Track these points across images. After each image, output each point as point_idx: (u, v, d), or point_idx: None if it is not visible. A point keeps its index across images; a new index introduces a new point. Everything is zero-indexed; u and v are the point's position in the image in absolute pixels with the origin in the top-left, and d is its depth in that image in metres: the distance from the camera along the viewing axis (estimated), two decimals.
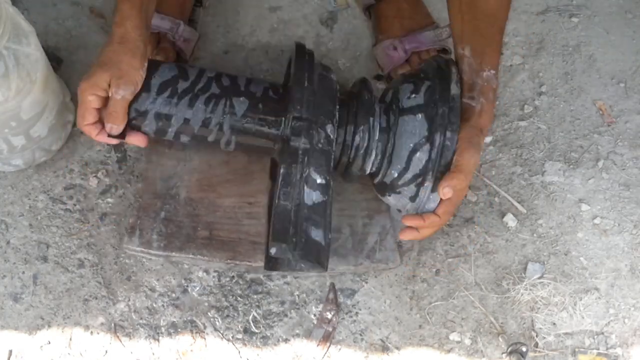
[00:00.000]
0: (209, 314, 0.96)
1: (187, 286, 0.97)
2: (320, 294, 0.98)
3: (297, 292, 0.98)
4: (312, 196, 0.82)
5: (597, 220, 1.04)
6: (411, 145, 0.83)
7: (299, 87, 0.86)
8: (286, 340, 0.95)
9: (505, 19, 0.88)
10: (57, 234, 0.99)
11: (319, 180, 0.83)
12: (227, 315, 0.96)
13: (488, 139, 1.10)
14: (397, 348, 0.95)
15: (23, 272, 0.97)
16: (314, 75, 0.88)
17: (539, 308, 0.97)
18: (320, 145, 0.84)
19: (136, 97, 0.86)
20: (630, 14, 1.22)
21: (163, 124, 0.88)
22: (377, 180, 0.90)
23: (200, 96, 0.87)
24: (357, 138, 0.87)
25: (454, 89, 0.83)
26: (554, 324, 0.96)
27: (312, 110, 0.85)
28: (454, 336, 0.96)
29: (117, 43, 0.84)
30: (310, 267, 0.85)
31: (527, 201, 1.05)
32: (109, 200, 1.02)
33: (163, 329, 0.94)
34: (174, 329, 0.95)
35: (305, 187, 0.82)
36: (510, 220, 1.03)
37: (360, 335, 0.96)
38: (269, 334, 0.95)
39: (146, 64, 0.85)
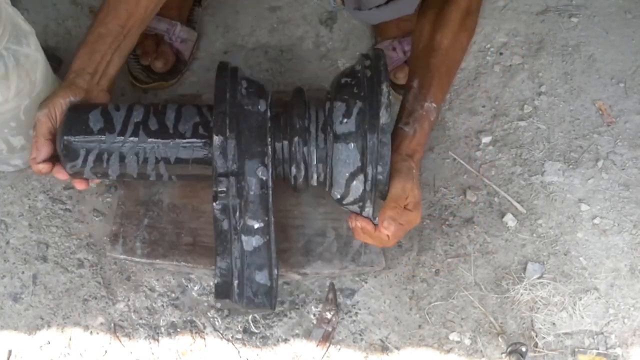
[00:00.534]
0: (208, 314, 0.96)
1: (187, 286, 0.97)
2: (319, 294, 0.98)
3: (296, 292, 0.98)
4: (251, 242, 0.84)
5: (596, 220, 1.04)
6: (347, 174, 0.82)
7: (220, 136, 0.82)
8: (286, 340, 0.95)
9: (460, 60, 0.92)
10: (57, 234, 0.99)
11: (256, 226, 0.84)
12: (227, 315, 0.96)
13: (488, 139, 1.10)
14: (397, 348, 0.95)
15: (23, 272, 0.97)
16: (236, 108, 0.84)
17: (539, 308, 0.97)
18: (252, 193, 0.83)
19: (68, 158, 0.85)
20: (629, 14, 1.22)
21: (100, 176, 0.87)
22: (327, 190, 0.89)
23: (129, 153, 0.85)
24: (294, 170, 0.85)
25: (384, 117, 0.80)
26: (554, 324, 0.96)
27: (237, 161, 0.83)
28: (453, 336, 0.96)
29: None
30: (257, 310, 0.89)
31: (527, 201, 1.05)
32: (109, 200, 1.02)
33: (163, 329, 0.94)
34: (173, 329, 0.95)
35: (243, 237, 0.83)
36: (510, 220, 1.03)
37: (360, 335, 0.96)
38: (268, 334, 0.95)
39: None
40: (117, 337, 0.94)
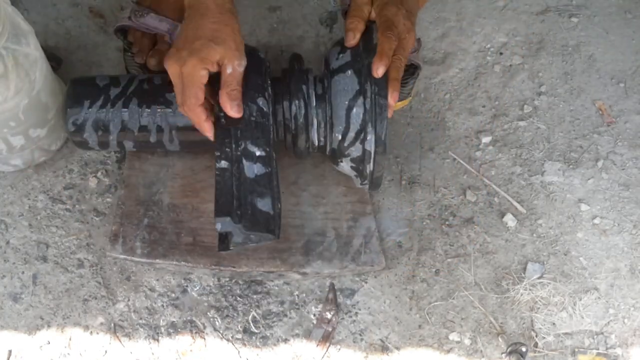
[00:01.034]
0: (208, 314, 0.96)
1: (187, 286, 0.97)
2: (319, 294, 0.98)
3: (296, 292, 0.98)
4: (253, 169, 0.83)
5: (596, 220, 1.04)
6: (346, 102, 0.85)
7: None
8: (286, 341, 0.95)
9: None
10: (57, 234, 0.99)
11: (258, 153, 0.84)
12: (227, 315, 0.96)
13: (488, 139, 1.10)
14: (397, 348, 0.95)
15: (22, 272, 0.97)
16: None
17: (539, 308, 0.97)
18: (253, 119, 0.85)
19: (72, 110, 0.91)
20: (630, 14, 1.22)
21: (103, 132, 0.92)
22: (328, 150, 0.92)
23: (133, 98, 0.90)
24: (294, 108, 0.88)
25: (376, 38, 0.85)
26: (554, 324, 0.96)
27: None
28: (453, 336, 0.96)
29: (218, 14, 0.82)
30: (260, 238, 0.83)
31: (527, 201, 1.05)
32: (109, 200, 1.02)
33: (163, 329, 0.94)
34: (173, 329, 0.95)
35: (244, 161, 0.83)
36: (509, 220, 1.03)
37: (360, 335, 0.96)
38: (268, 334, 0.95)
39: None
40: (117, 337, 0.94)
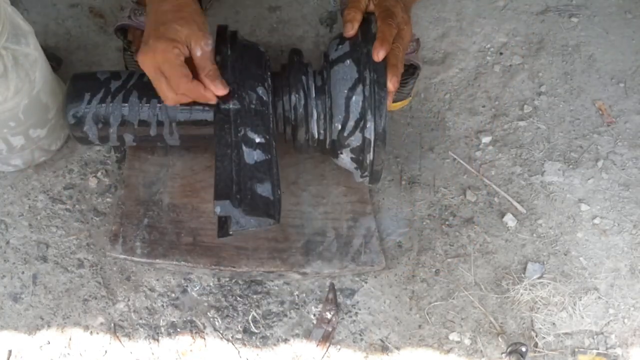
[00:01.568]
0: (208, 314, 0.96)
1: (187, 286, 0.97)
2: (319, 294, 0.98)
3: (296, 292, 0.98)
4: (252, 155, 0.84)
5: (596, 220, 1.04)
6: (345, 91, 0.85)
7: (221, 55, 0.87)
8: (286, 341, 0.95)
9: None
10: (57, 234, 0.99)
11: (257, 140, 0.85)
12: (227, 315, 0.96)
13: (488, 139, 1.10)
14: (397, 348, 0.95)
15: (23, 272, 0.97)
16: (236, 46, 0.90)
17: (539, 308, 0.97)
18: (253, 106, 0.86)
19: (72, 104, 0.91)
20: (630, 14, 1.22)
21: (103, 125, 0.92)
22: (327, 143, 0.92)
23: (134, 91, 0.91)
24: (294, 99, 0.89)
25: (375, 28, 0.85)
26: (554, 324, 0.96)
27: (238, 75, 0.87)
28: (453, 336, 0.96)
29: (176, 4, 0.83)
30: (260, 223, 0.82)
31: (527, 201, 1.05)
32: (109, 200, 1.02)
33: (163, 329, 0.94)
34: (173, 329, 0.95)
35: (244, 147, 0.84)
36: (509, 220, 1.03)
37: (360, 335, 0.96)
38: (268, 334, 0.95)
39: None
40: (117, 337, 0.94)
